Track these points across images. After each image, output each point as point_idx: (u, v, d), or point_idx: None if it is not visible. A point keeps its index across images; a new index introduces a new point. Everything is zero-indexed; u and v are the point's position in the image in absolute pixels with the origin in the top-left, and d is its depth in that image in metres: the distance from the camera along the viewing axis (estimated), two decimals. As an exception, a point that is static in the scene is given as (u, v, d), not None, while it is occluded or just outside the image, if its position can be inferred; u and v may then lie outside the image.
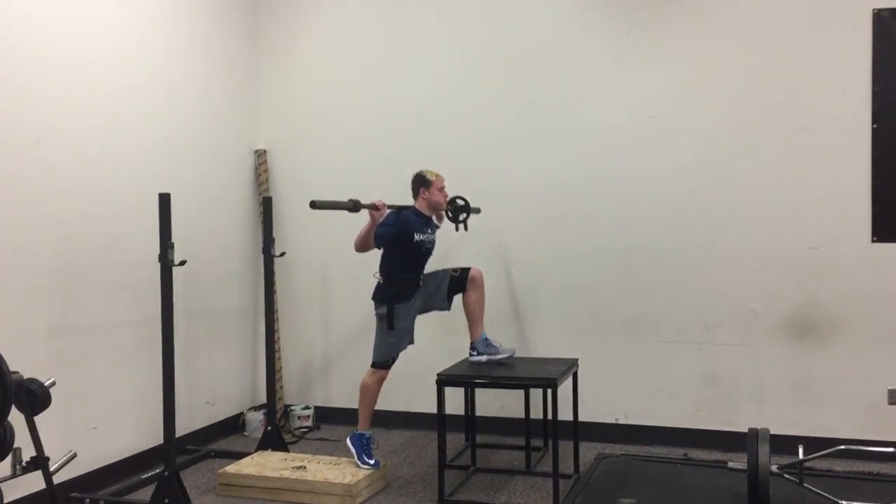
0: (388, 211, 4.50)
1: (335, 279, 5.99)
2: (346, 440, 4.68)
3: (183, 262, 4.30)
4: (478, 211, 5.23)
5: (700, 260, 5.18)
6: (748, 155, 5.07)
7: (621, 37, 5.31)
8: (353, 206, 4.39)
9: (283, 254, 5.49)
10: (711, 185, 5.14)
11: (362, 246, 4.55)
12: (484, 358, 4.65)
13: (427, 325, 5.71)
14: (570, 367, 4.63)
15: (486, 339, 4.70)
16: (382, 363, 4.60)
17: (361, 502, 4.35)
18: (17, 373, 2.98)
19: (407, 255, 4.57)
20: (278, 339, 5.92)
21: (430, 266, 4.79)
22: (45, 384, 3.16)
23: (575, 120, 5.42)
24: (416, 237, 4.55)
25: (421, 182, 4.69)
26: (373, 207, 4.42)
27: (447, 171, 5.58)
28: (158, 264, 4.21)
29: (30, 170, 4.21)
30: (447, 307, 4.79)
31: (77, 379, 4.45)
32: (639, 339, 5.32)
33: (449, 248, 5.42)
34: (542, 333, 5.50)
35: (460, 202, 5.00)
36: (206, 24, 5.65)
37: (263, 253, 5.30)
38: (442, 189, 4.73)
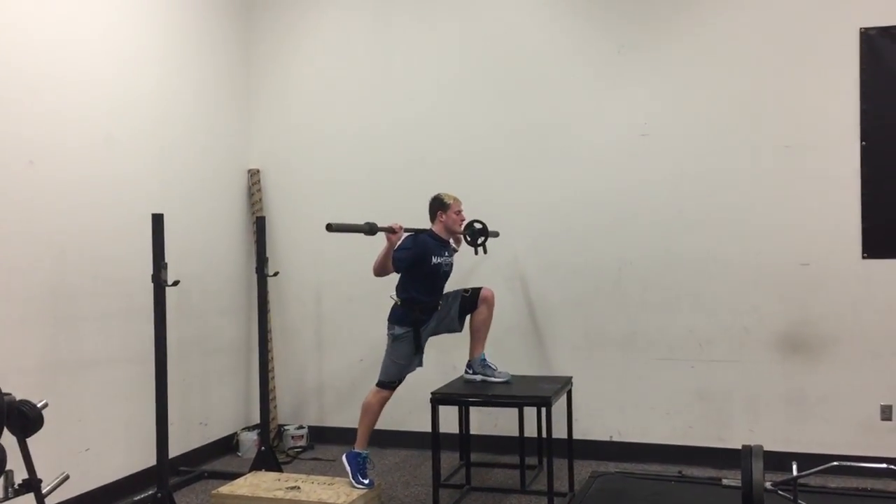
0: (404, 234, 4.48)
1: (329, 298, 5.99)
2: (342, 457, 4.65)
3: (176, 283, 4.30)
4: (496, 234, 5.19)
5: (691, 277, 5.21)
6: (738, 173, 5.11)
7: (612, 56, 5.35)
8: (370, 230, 4.36)
9: (276, 273, 5.49)
10: (702, 203, 5.18)
11: (381, 270, 4.49)
12: (479, 377, 4.65)
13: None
14: (564, 385, 4.64)
15: (485, 359, 4.70)
16: (388, 384, 4.57)
17: (356, 522, 4.33)
18: (10, 394, 2.96)
19: (425, 278, 4.55)
20: (272, 358, 5.91)
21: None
22: (38, 405, 3.14)
23: (566, 138, 5.46)
24: (434, 260, 4.54)
25: (438, 205, 4.68)
26: (390, 231, 4.39)
27: (439, 189, 5.60)
28: (151, 284, 4.21)
29: (24, 190, 4.22)
30: (459, 329, 4.77)
31: (70, 400, 4.43)
32: (632, 356, 5.33)
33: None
34: (536, 351, 5.51)
35: (478, 226, 4.96)
36: (199, 43, 5.67)
37: (257, 272, 5.30)
38: (459, 213, 4.71)
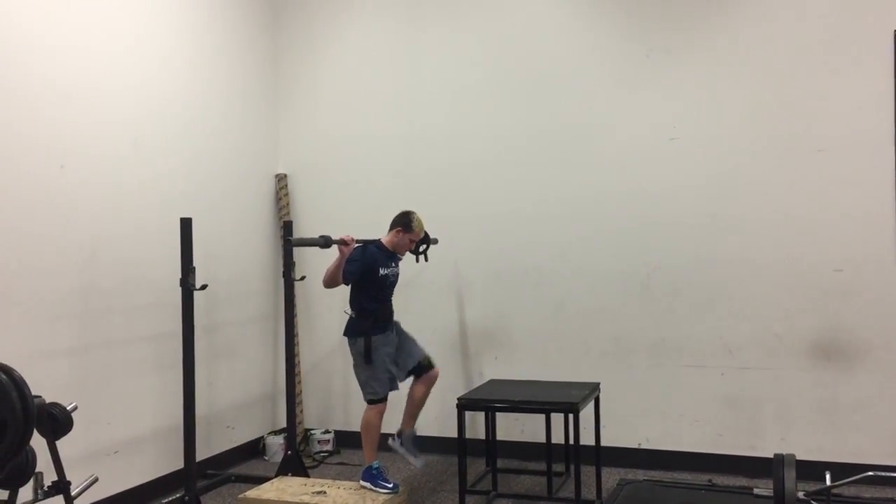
0: (355, 246, 4.57)
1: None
2: (359, 481, 4.65)
3: (204, 287, 4.32)
4: (435, 241, 5.25)
5: (722, 283, 5.14)
6: (769, 177, 5.03)
7: (641, 60, 5.31)
8: (325, 243, 4.52)
9: (303, 278, 5.50)
10: (732, 208, 5.11)
11: (331, 281, 4.59)
12: (402, 450, 4.69)
13: (446, 349, 5.71)
14: (592, 391, 4.60)
15: (415, 435, 4.74)
16: (377, 400, 4.59)
17: (382, 528, 4.31)
18: (40, 397, 2.99)
19: (373, 288, 4.63)
20: (298, 363, 5.92)
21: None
22: (68, 408, 3.17)
23: (595, 142, 5.42)
24: (382, 272, 4.63)
25: (403, 224, 4.74)
26: (342, 243, 4.51)
27: (467, 193, 5.62)
28: (179, 288, 4.23)
29: (55, 194, 4.27)
30: (402, 378, 4.76)
31: (99, 402, 4.47)
32: (661, 362, 5.27)
33: (459, 271, 5.42)
34: (564, 356, 5.46)
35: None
36: (228, 49, 5.72)
37: (284, 277, 5.32)
38: (414, 241, 4.82)
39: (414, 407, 4.78)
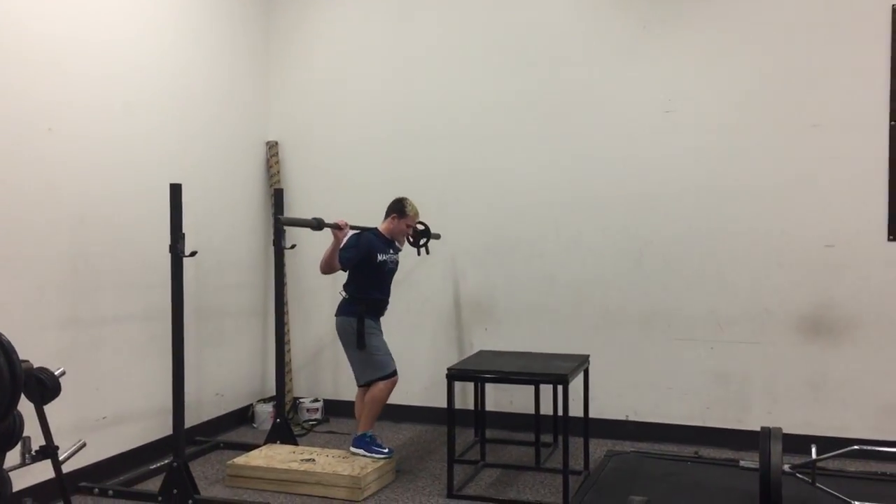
0: (350, 231, 4.54)
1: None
2: (350, 449, 4.66)
3: (193, 253, 4.29)
4: (437, 236, 5.28)
5: (714, 257, 5.14)
6: (763, 152, 5.02)
7: (637, 32, 5.26)
8: (317, 225, 4.49)
9: (293, 246, 5.47)
10: (725, 182, 5.10)
11: (328, 268, 4.58)
12: (362, 451, 4.60)
13: (436, 321, 5.72)
14: (581, 363, 4.60)
15: (373, 436, 4.67)
16: (387, 375, 4.59)
17: (370, 495, 4.34)
18: (27, 361, 2.97)
19: (372, 275, 4.64)
20: (288, 331, 5.92)
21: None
22: (55, 373, 3.15)
23: (589, 115, 5.38)
24: (380, 258, 4.63)
25: (398, 210, 4.75)
26: (336, 227, 4.48)
27: (459, 163, 5.59)
28: (169, 254, 4.20)
29: (42, 157, 4.21)
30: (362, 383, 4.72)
31: (87, 369, 4.45)
32: (651, 335, 5.29)
33: (452, 242, 5.41)
34: (554, 328, 5.47)
35: (420, 227, 5.07)
36: (218, 13, 5.63)
37: (274, 245, 5.29)
38: (410, 226, 4.83)
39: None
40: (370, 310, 4.65)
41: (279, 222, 4.61)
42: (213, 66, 5.57)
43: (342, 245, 4.53)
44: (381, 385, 4.59)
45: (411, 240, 5.05)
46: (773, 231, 5.01)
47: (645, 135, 5.26)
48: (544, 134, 5.48)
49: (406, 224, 4.79)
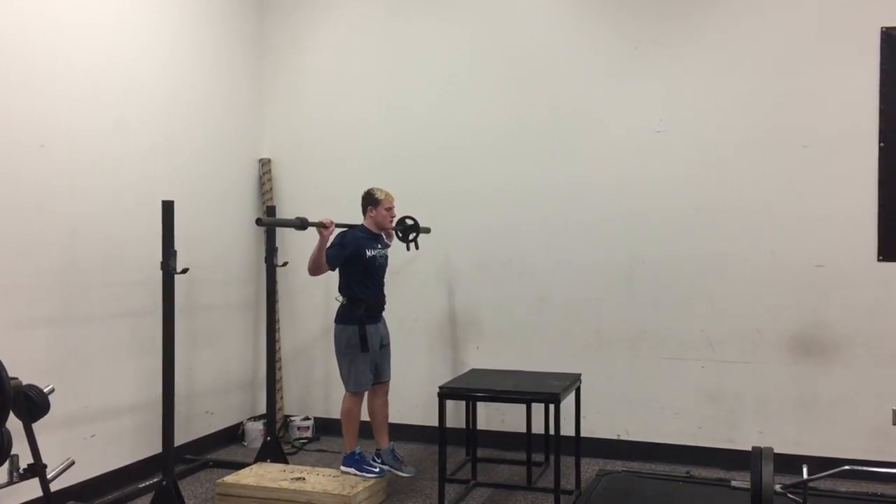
0: (336, 230, 4.52)
1: (337, 290, 5.96)
2: (340, 468, 4.64)
3: (185, 270, 4.28)
4: (427, 230, 5.24)
5: (704, 276, 5.16)
6: (753, 172, 5.05)
7: (629, 52, 5.30)
8: (301, 225, 4.44)
9: (285, 263, 5.47)
10: (716, 202, 5.12)
11: (315, 268, 4.53)
12: (387, 467, 4.61)
13: (428, 338, 5.71)
14: (572, 382, 4.60)
15: (394, 450, 4.70)
16: (356, 392, 4.60)
17: (360, 515, 4.32)
18: (16, 378, 2.95)
19: (363, 273, 4.60)
20: (279, 349, 5.90)
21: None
22: (45, 391, 3.13)
23: (581, 133, 5.41)
24: (369, 253, 4.59)
25: (369, 201, 4.70)
26: (321, 226, 4.44)
27: (452, 181, 5.60)
28: (160, 270, 4.19)
29: (35, 174, 4.21)
30: (369, 387, 4.72)
31: (77, 385, 4.42)
32: (642, 355, 5.29)
33: (444, 259, 5.41)
34: (546, 347, 5.47)
35: (409, 222, 5.05)
36: (213, 32, 5.65)
37: (266, 262, 5.29)
38: (390, 209, 4.73)
39: (379, 423, 4.76)
40: (370, 310, 4.60)
41: (260, 223, 4.56)
42: (207, 84, 5.58)
43: (329, 244, 4.48)
44: (349, 399, 4.59)
45: (399, 234, 4.99)
46: (764, 251, 5.03)
47: (636, 155, 5.28)
48: (536, 153, 5.50)
49: (384, 209, 4.67)
